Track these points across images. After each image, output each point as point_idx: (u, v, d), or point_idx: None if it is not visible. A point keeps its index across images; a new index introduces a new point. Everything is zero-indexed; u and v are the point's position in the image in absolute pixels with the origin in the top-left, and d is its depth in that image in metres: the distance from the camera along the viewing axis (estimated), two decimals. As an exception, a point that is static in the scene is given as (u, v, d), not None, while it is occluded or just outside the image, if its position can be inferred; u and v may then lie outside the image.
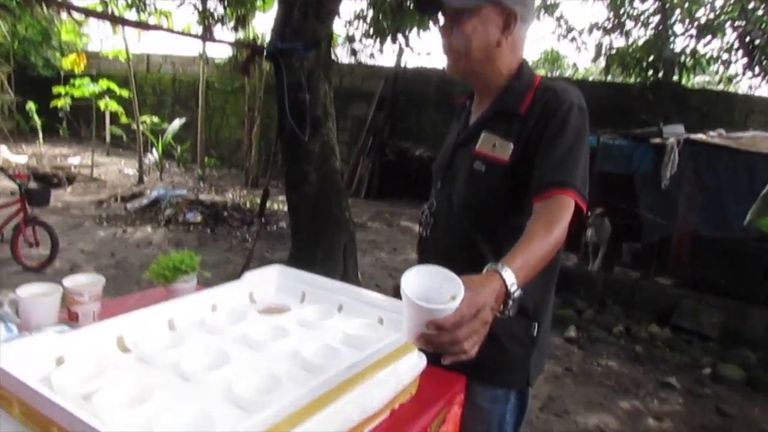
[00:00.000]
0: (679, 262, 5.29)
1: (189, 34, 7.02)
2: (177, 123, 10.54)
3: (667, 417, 3.30)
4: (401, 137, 9.82)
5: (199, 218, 6.72)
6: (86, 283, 1.53)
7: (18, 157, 10.19)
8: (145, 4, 6.34)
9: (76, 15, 8.24)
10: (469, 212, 1.36)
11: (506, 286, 0.99)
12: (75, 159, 11.08)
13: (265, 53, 4.18)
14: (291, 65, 3.91)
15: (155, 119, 10.68)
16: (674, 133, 5.24)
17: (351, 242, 4.62)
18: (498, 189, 1.31)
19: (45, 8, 5.85)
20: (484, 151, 1.32)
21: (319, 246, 4.45)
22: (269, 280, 1.51)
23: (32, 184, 5.17)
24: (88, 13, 5.26)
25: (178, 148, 10.99)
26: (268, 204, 7.71)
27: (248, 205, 7.60)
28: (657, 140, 5.26)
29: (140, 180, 9.34)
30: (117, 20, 6.28)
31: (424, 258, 1.48)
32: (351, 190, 9.16)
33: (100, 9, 7.21)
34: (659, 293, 4.92)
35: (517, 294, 1.00)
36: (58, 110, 11.36)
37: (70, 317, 1.49)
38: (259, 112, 10.09)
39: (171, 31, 6.44)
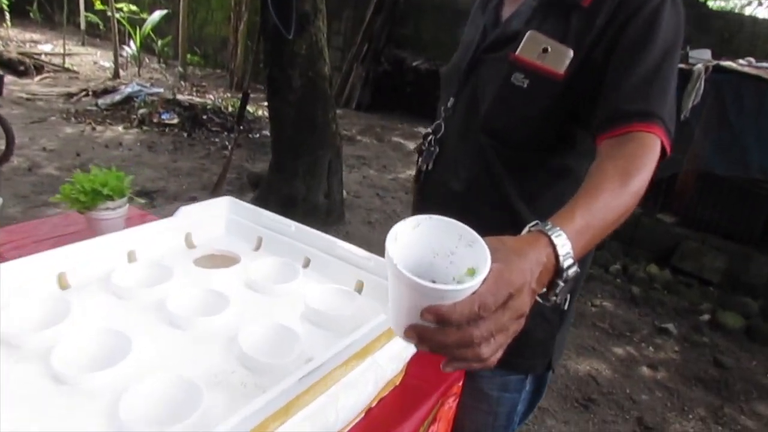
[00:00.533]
0: (685, 199, 4.97)
1: None
2: (158, 14, 9.66)
3: (661, 366, 3.11)
4: (398, 45, 9.12)
5: (175, 120, 6.21)
6: (-25, 206, 1.16)
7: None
8: None
9: None
10: (496, 143, 0.96)
11: (557, 257, 0.62)
12: (46, 46, 10.25)
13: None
14: (275, -54, 3.34)
15: (133, 7, 9.80)
16: (701, 58, 4.75)
17: (337, 157, 4.22)
18: (544, 114, 0.91)
19: None
20: (529, 59, 0.91)
21: (301, 160, 4.06)
22: (215, 218, 1.14)
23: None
24: None
25: (159, 42, 10.18)
26: (252, 109, 7.21)
27: (230, 109, 7.06)
28: (681, 65, 4.78)
29: (116, 74, 8.66)
30: None
31: (423, 202, 1.11)
32: (342, 100, 8.61)
33: None
34: (661, 232, 4.64)
35: (572, 271, 0.63)
36: (28, -10, 10.38)
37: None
38: (247, 8, 9.24)
39: None
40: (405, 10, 9.12)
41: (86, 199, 1.20)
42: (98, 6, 9.36)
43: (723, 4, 12.47)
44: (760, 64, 4.71)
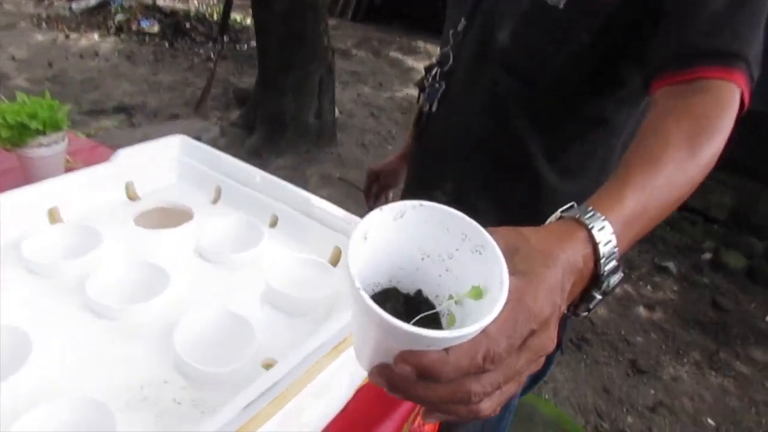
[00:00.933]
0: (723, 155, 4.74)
1: None
2: None
3: (659, 306, 3.02)
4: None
5: (156, 28, 5.78)
6: None
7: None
8: None
9: None
10: (517, 84, 0.75)
11: (597, 260, 0.44)
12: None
13: None
14: None
15: None
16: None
17: (329, 73, 3.92)
18: (585, 46, 0.68)
19: None
20: None
21: (290, 75, 3.76)
22: (166, 162, 0.94)
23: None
24: None
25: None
26: (239, 18, 6.73)
27: (215, 16, 6.58)
28: None
29: (93, -26, 8.04)
30: None
31: (422, 154, 0.91)
32: (336, 10, 8.06)
33: None
34: (665, 162, 4.46)
35: (614, 279, 0.47)
36: None
37: None
38: None
39: None
40: None
41: (11, 134, 0.98)
42: None
43: None
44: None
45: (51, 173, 1.07)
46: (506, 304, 0.34)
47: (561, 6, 0.67)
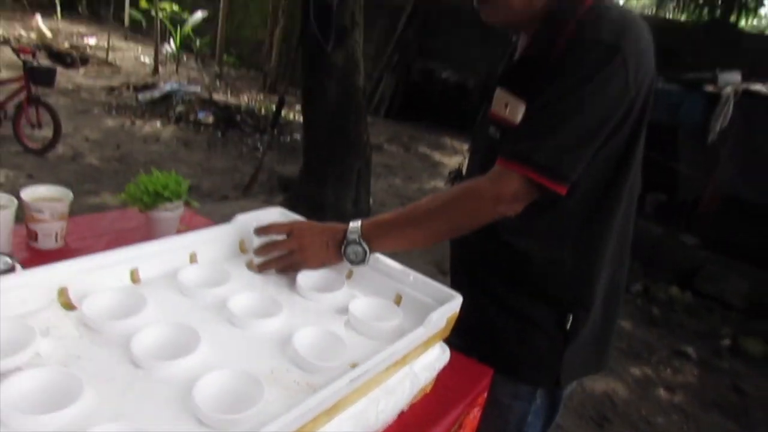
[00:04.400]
0: (708, 221, 4.95)
1: None
2: (199, 15, 9.93)
3: (679, 389, 3.13)
4: (429, 56, 9.21)
5: (210, 119, 6.39)
6: (47, 197, 1.29)
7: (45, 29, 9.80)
8: None
9: None
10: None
11: (345, 231, 1.04)
12: (92, 39, 10.59)
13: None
14: (321, -39, 3.46)
15: (175, 7, 10.07)
16: (730, 81, 4.76)
17: (366, 167, 4.32)
18: None
19: None
20: (497, 113, 1.04)
21: (332, 167, 4.17)
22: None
23: (43, 61, 4.85)
24: None
25: (197, 42, 10.44)
26: (283, 113, 7.36)
27: (263, 111, 7.23)
28: (710, 88, 4.78)
29: (155, 70, 8.94)
30: None
31: None
32: (371, 107, 8.72)
33: None
34: (683, 253, 4.65)
35: (353, 248, 1.04)
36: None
37: (29, 235, 1.27)
38: (284, 13, 9.46)
39: None
40: (436, 23, 9.20)
41: (149, 199, 1.31)
42: (143, 4, 9.64)
43: (756, 23, 12.33)
44: (794, 91, 4.70)
45: (169, 232, 1.38)
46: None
47: (497, 137, 1.04)
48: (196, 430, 0.70)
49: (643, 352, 3.47)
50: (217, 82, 9.22)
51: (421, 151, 7.33)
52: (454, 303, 0.98)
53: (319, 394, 0.71)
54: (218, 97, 7.45)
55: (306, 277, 1.07)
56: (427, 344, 0.94)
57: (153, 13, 9.30)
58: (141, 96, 6.95)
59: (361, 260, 1.05)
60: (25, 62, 4.63)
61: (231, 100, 7.48)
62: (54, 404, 0.67)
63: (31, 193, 1.27)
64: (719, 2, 8.04)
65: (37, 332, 0.77)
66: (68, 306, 0.88)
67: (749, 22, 9.60)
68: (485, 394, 1.13)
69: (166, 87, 7.20)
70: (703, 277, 4.34)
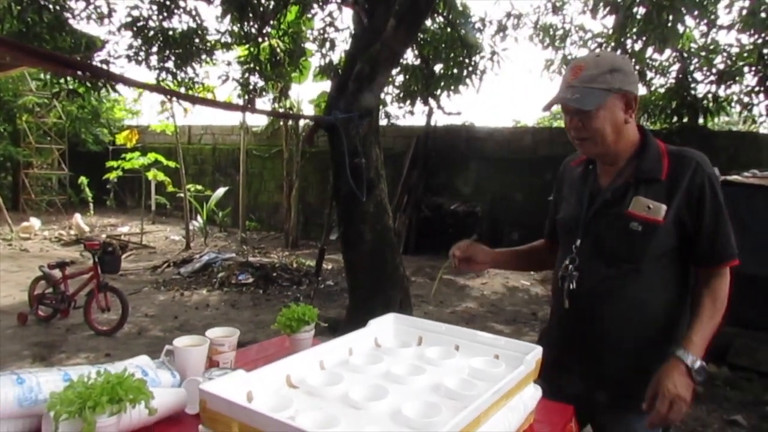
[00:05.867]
0: (728, 302, 5.31)
1: (244, 108, 7.48)
2: (221, 191, 11.05)
3: (738, 455, 3.33)
4: (435, 193, 10.12)
5: (250, 279, 6.99)
6: (225, 334, 1.76)
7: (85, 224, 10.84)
8: (194, 82, 6.82)
9: (132, 90, 8.81)
10: (621, 263, 1.59)
11: (687, 365, 1.46)
12: (124, 228, 11.60)
13: (326, 124, 4.53)
14: (348, 133, 4.25)
15: (198, 187, 11.20)
16: (710, 176, 5.39)
17: (406, 297, 4.81)
18: (654, 245, 1.55)
19: (110, 88, 6.34)
20: (639, 213, 1.54)
21: (376, 301, 4.65)
22: (388, 327, 1.72)
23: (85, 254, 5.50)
24: (152, 88, 5.72)
25: (220, 214, 11.45)
26: (310, 263, 7.99)
27: (294, 265, 7.87)
28: (694, 184, 5.40)
29: (187, 246, 9.73)
30: (176, 95, 6.79)
31: (573, 313, 1.69)
32: (390, 246, 9.38)
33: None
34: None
35: (700, 371, 1.47)
36: (107, 182, 11.99)
37: (211, 365, 1.71)
38: (297, 176, 10.53)
39: (228, 105, 6.86)
40: (436, 163, 10.23)
41: (296, 324, 1.80)
42: (170, 189, 10.74)
43: (727, 119, 13.48)
44: (763, 174, 5.33)
45: (304, 349, 1.84)
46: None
47: (640, 230, 1.54)
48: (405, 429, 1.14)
49: (698, 427, 3.69)
50: (244, 247, 9.99)
51: (445, 278, 7.84)
52: (537, 351, 1.43)
53: (465, 412, 1.16)
54: (252, 258, 8.12)
55: (430, 353, 1.54)
56: (527, 380, 1.38)
57: (178, 195, 10.36)
58: (183, 270, 7.61)
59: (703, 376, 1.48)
60: (94, 254, 5.30)
61: (264, 260, 8.15)
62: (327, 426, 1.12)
63: (212, 332, 1.75)
64: (684, 110, 9.03)
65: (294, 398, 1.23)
66: (291, 386, 1.34)
67: (715, 122, 10.63)
68: (571, 424, 1.53)
69: (204, 258, 7.89)
70: (736, 352, 4.61)
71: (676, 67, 9.32)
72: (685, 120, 9.01)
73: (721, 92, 9.04)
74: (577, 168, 1.76)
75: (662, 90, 9.50)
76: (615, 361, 1.63)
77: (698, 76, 9.15)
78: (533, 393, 1.43)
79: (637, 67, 9.59)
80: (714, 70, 8.98)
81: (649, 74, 9.73)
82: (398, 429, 1.14)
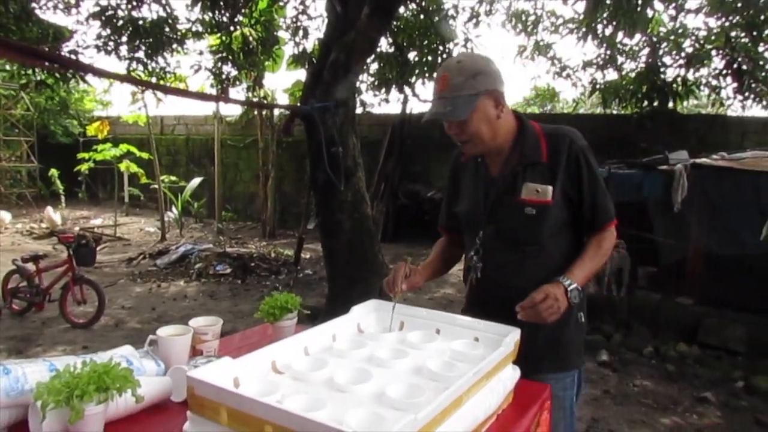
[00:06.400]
0: (697, 281, 5.47)
1: (217, 98, 7.39)
2: (196, 181, 10.92)
3: (708, 430, 3.46)
4: (411, 180, 10.15)
5: (228, 270, 6.96)
6: (209, 324, 1.77)
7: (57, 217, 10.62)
8: (165, 72, 6.71)
9: (102, 81, 8.63)
10: (523, 246, 1.69)
11: (565, 286, 1.53)
12: (97, 220, 11.41)
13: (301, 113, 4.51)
14: (325, 122, 4.24)
15: (173, 178, 11.05)
16: (679, 159, 5.52)
17: (385, 283, 4.84)
18: (548, 224, 1.65)
19: (79, 79, 6.20)
20: (531, 198, 1.64)
21: (355, 289, 4.68)
22: (370, 313, 1.75)
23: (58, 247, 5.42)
24: (123, 79, 5.62)
25: (195, 205, 11.32)
26: (288, 252, 7.98)
27: (272, 254, 7.85)
28: (664, 167, 5.54)
29: (162, 237, 9.62)
30: (148, 85, 6.68)
31: (479, 299, 1.80)
32: (368, 234, 9.41)
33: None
34: (682, 313, 5.10)
35: (575, 293, 1.54)
36: (78, 174, 11.76)
37: (194, 353, 1.72)
38: (273, 165, 10.46)
39: (201, 95, 6.77)
40: (412, 150, 10.24)
41: (279, 312, 1.81)
42: (143, 180, 10.57)
43: (696, 102, 13.76)
44: (732, 156, 5.48)
45: (287, 336, 1.86)
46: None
47: (534, 213, 1.63)
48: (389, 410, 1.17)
49: (668, 404, 3.82)
50: (221, 237, 9.92)
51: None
52: (516, 332, 1.47)
53: (447, 392, 1.19)
54: (230, 249, 8.07)
55: (412, 337, 1.57)
56: (506, 360, 1.43)
57: (152, 186, 10.21)
58: (159, 261, 7.54)
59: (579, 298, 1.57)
60: (68, 246, 5.22)
61: (242, 250, 8.11)
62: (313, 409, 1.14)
63: (196, 322, 1.76)
64: (654, 95, 9.18)
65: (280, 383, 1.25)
66: (276, 371, 1.36)
67: (684, 106, 10.84)
68: (549, 401, 1.58)
69: (181, 249, 7.81)
70: (705, 331, 4.77)
71: (646, 51, 9.47)
72: (656, 104, 9.16)
73: (690, 76, 9.22)
74: (468, 161, 1.85)
75: (633, 74, 9.64)
76: (523, 333, 1.63)
77: (667, 60, 9.31)
78: (512, 374, 1.48)
79: (608, 52, 9.77)
80: (683, 54, 9.15)
81: (620, 59, 9.87)
82: (383, 410, 1.17)
